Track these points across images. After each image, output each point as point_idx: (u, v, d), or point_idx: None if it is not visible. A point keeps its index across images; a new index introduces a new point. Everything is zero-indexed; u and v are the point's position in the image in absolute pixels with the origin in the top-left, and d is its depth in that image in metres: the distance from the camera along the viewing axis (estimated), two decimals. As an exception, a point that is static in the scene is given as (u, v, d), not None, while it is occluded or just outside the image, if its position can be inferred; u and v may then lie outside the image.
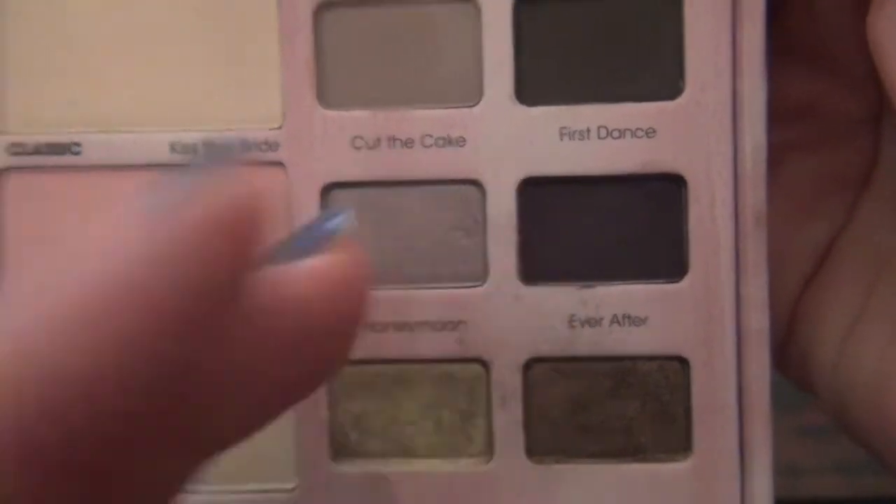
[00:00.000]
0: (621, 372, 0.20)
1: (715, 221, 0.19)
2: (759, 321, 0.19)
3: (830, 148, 0.21)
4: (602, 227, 0.19)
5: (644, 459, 0.20)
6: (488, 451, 0.20)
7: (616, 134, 0.19)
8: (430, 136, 0.19)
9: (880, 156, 0.21)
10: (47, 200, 0.20)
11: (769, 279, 0.19)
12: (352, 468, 0.20)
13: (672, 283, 0.19)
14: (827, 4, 0.20)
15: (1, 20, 0.20)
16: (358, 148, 0.19)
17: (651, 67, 0.19)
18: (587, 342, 0.19)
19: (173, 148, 0.19)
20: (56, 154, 0.20)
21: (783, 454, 0.36)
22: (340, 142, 0.19)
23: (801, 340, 0.21)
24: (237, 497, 0.20)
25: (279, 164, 0.19)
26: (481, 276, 0.19)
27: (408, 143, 0.19)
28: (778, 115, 0.20)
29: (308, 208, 0.19)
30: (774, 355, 0.21)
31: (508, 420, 0.19)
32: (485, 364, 0.20)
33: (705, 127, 0.19)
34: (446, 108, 0.19)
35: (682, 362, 0.19)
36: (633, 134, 0.19)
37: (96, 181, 0.19)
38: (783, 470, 0.37)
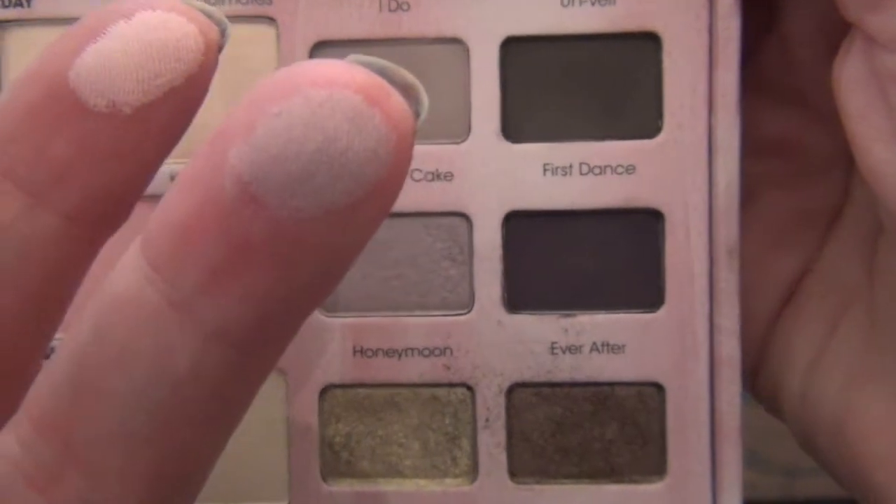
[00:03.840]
0: (600, 397, 0.20)
1: (690, 254, 0.20)
2: (730, 349, 0.20)
3: (804, 183, 0.21)
4: (583, 258, 0.20)
5: (621, 481, 0.20)
6: (472, 471, 0.20)
7: (597, 170, 0.20)
8: (420, 170, 0.20)
9: (851, 193, 0.21)
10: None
11: (742, 308, 0.20)
12: (342, 487, 0.20)
13: (649, 312, 0.20)
14: (801, 46, 0.20)
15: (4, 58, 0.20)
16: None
17: (631, 107, 0.20)
18: (568, 368, 0.20)
19: (174, 179, 0.20)
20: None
21: (782, 454, 0.36)
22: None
23: (772, 370, 0.22)
24: (232, 514, 0.20)
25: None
26: (467, 304, 0.20)
27: (398, 177, 0.20)
28: (753, 150, 0.21)
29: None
30: (747, 382, 0.22)
31: (492, 442, 0.20)
32: (470, 388, 0.20)
33: (682, 164, 0.20)
34: (435, 144, 0.20)
35: (658, 388, 0.20)
36: (614, 170, 0.20)
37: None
38: (782, 470, 0.37)
